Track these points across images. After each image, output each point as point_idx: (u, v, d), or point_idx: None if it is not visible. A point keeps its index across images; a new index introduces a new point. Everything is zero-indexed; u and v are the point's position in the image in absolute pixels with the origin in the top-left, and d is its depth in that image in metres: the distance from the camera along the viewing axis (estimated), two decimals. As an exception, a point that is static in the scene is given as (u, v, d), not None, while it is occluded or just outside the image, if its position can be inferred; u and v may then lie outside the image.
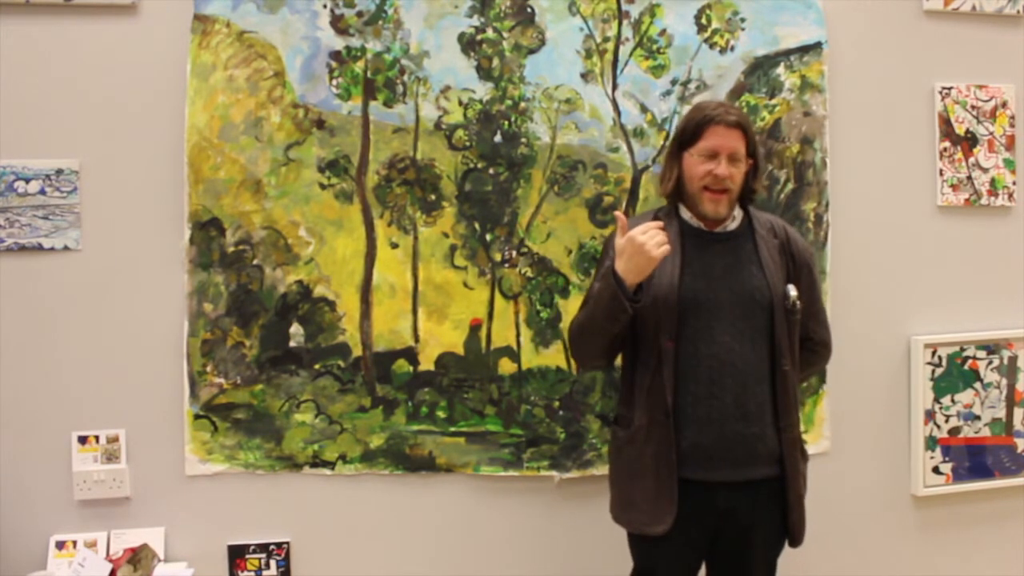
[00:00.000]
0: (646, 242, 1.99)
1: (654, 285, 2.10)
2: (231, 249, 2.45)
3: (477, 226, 2.55)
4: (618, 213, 2.08)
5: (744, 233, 2.20)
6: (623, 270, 2.02)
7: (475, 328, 2.55)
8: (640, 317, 2.09)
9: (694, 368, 2.10)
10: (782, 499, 2.16)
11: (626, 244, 2.01)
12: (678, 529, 2.09)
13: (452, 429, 2.55)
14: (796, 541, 2.20)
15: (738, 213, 2.21)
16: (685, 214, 2.20)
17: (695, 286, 2.12)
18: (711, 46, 2.65)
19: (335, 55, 2.48)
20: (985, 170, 2.85)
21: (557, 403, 2.58)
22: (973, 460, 2.83)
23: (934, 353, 2.80)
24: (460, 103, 2.53)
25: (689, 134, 2.15)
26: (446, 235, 2.54)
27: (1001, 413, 2.86)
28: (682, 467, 2.09)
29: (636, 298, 2.04)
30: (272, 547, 2.48)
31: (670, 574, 2.18)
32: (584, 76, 2.58)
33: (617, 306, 2.03)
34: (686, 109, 2.46)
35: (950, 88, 2.82)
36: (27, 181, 2.38)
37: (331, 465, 2.51)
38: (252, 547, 2.48)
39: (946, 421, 2.81)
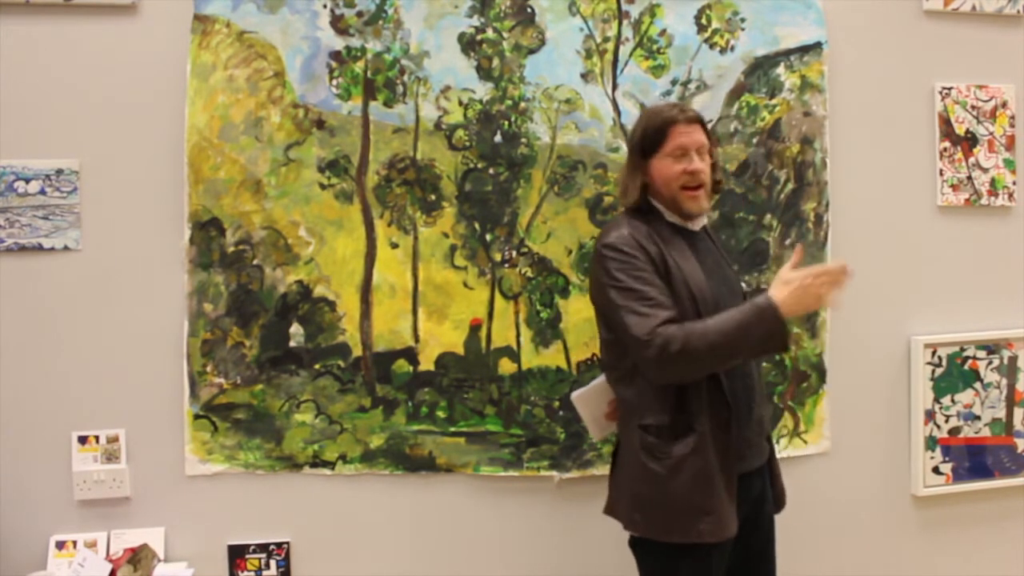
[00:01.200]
0: (823, 286, 1.96)
1: (693, 284, 2.06)
2: (231, 249, 2.45)
3: (477, 226, 2.55)
4: (800, 247, 2.06)
5: (702, 231, 2.22)
6: (785, 302, 1.95)
7: (475, 328, 2.55)
8: (688, 320, 2.02)
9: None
10: (769, 472, 2.23)
11: (809, 282, 1.96)
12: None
13: (452, 429, 2.55)
14: (783, 505, 2.26)
15: None
16: (670, 216, 2.15)
17: (711, 282, 2.11)
18: (711, 46, 2.65)
19: (335, 55, 2.48)
20: (985, 170, 2.85)
21: (557, 403, 2.58)
22: (973, 460, 2.83)
23: (934, 353, 2.80)
24: (460, 103, 2.53)
25: (651, 139, 2.11)
26: (446, 235, 2.53)
27: (1001, 413, 2.86)
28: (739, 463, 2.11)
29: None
30: (272, 547, 2.48)
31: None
32: (584, 76, 2.58)
33: (775, 344, 1.98)
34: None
35: (950, 88, 2.82)
36: (27, 181, 2.38)
37: (331, 465, 2.51)
38: (252, 547, 2.48)
39: (946, 421, 2.81)
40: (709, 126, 2.22)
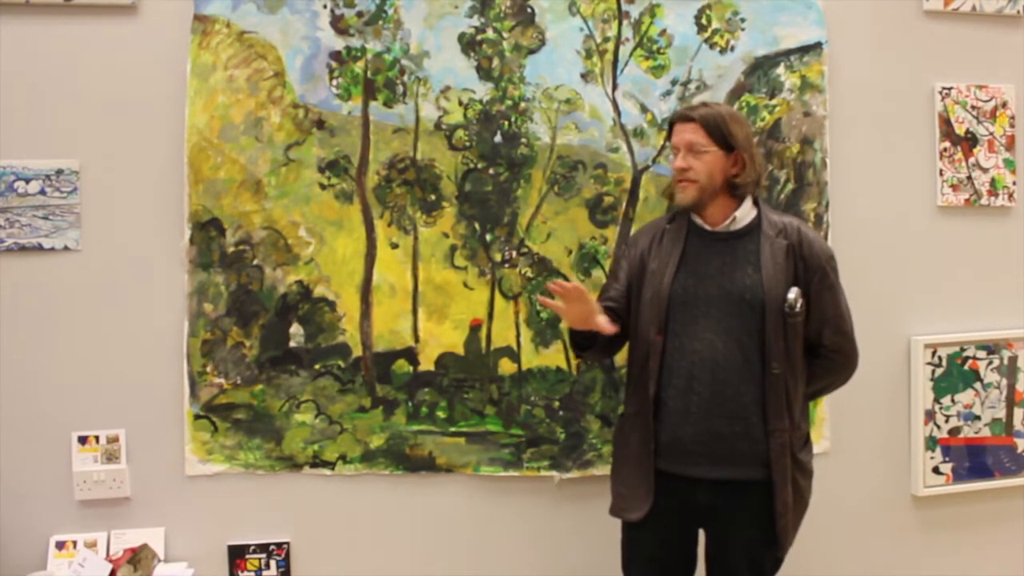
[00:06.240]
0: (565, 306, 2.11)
1: (650, 281, 2.19)
2: (231, 249, 2.45)
3: (477, 226, 2.55)
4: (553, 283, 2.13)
5: (749, 233, 2.20)
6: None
7: (475, 328, 2.55)
8: (636, 311, 2.20)
9: (677, 362, 2.14)
10: (773, 504, 2.13)
11: (560, 305, 2.13)
12: (655, 519, 2.15)
13: (452, 429, 2.55)
14: (779, 551, 2.16)
15: (744, 214, 2.20)
16: (693, 215, 2.23)
17: (686, 283, 2.16)
18: (711, 46, 2.64)
19: (335, 55, 2.48)
20: (985, 170, 2.85)
21: (557, 403, 2.58)
22: (973, 460, 2.83)
23: (934, 353, 2.80)
24: (460, 103, 2.53)
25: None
26: (446, 235, 2.53)
27: (1001, 413, 2.86)
28: (661, 459, 2.16)
29: (584, 344, 2.23)
30: (272, 547, 2.48)
31: (649, 563, 2.22)
32: (584, 76, 2.58)
33: (573, 346, 2.29)
34: None
35: (950, 88, 2.82)
36: (27, 181, 2.38)
37: (331, 465, 2.51)
38: (252, 547, 2.48)
39: (946, 421, 2.81)
40: None
